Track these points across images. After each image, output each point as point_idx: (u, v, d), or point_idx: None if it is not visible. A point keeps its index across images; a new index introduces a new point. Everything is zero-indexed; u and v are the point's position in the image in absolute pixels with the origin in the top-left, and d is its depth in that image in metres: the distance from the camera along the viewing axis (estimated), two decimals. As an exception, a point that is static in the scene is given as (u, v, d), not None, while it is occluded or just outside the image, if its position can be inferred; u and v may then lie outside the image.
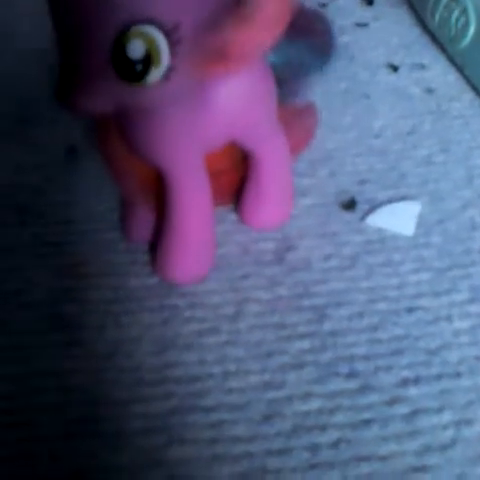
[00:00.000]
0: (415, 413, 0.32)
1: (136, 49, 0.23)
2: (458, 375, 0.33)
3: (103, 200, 0.40)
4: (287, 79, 0.34)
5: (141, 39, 0.23)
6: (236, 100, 0.30)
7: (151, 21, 0.23)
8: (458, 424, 0.31)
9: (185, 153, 0.30)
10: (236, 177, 0.36)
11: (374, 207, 0.40)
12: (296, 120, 0.38)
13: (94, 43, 0.23)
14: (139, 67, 0.23)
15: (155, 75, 0.24)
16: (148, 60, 0.23)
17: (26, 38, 0.50)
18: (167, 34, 0.23)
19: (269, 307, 0.35)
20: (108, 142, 0.31)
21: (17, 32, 0.51)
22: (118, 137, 0.30)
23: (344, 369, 0.33)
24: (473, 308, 0.36)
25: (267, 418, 0.31)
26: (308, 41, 0.35)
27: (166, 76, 0.24)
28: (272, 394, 0.32)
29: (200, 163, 0.31)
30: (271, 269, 0.37)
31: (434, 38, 0.51)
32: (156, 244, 0.35)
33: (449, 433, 0.31)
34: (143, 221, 0.37)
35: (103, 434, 0.31)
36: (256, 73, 0.30)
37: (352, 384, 0.33)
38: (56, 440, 0.31)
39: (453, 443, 0.31)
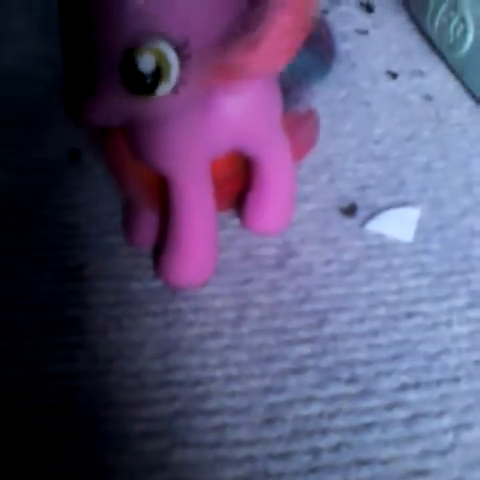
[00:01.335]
0: (415, 417, 0.32)
1: (147, 63, 0.23)
2: (457, 380, 0.33)
3: (106, 203, 0.40)
4: (290, 87, 0.34)
5: (152, 53, 0.23)
6: (242, 109, 0.30)
7: (162, 36, 0.23)
8: (457, 428, 0.32)
9: (191, 161, 0.30)
10: (238, 185, 0.37)
11: (374, 213, 0.40)
12: (298, 127, 0.38)
13: (104, 57, 0.23)
14: (149, 80, 0.24)
15: (165, 88, 0.24)
16: (158, 74, 0.24)
17: (30, 40, 0.50)
18: (177, 49, 0.23)
19: (271, 312, 0.36)
20: (113, 147, 0.31)
21: (21, 34, 0.51)
22: (123, 142, 0.30)
23: (345, 374, 0.34)
24: (472, 313, 0.36)
25: (269, 422, 0.32)
26: (311, 48, 0.35)
27: (175, 89, 0.25)
28: (273, 398, 0.33)
29: (206, 170, 0.31)
30: (273, 274, 0.37)
31: (433, 45, 0.51)
32: (159, 248, 0.36)
33: (448, 437, 0.31)
34: (145, 225, 0.37)
35: (106, 437, 0.31)
36: (262, 83, 0.31)
37: (353, 388, 0.33)
38: (59, 442, 0.31)
39: (452, 447, 0.31)
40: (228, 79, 0.26)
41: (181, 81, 0.24)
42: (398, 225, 0.40)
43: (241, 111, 0.30)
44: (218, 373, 0.33)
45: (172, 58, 0.23)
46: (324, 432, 0.31)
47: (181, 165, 0.30)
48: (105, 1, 0.22)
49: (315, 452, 0.31)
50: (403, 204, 0.41)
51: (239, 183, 0.36)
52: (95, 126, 0.26)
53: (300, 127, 0.38)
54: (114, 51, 0.23)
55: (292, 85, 0.34)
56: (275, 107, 0.32)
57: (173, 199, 0.32)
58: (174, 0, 0.23)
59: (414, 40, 0.53)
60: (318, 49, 0.36)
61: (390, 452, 0.31)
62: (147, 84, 0.24)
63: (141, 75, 0.23)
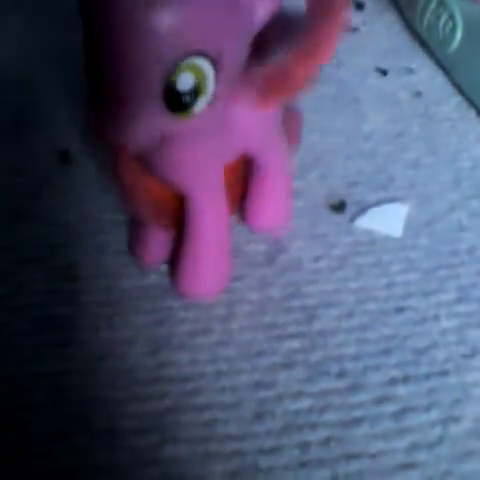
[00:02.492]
0: (404, 411, 0.32)
1: (186, 82, 0.23)
2: (445, 374, 0.34)
3: (95, 203, 0.41)
4: None
5: (191, 71, 0.22)
6: (254, 119, 0.30)
7: (200, 53, 0.22)
8: (445, 422, 0.32)
9: (209, 174, 0.30)
10: (240, 191, 0.37)
11: (363, 209, 0.41)
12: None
13: (140, 77, 0.23)
14: (187, 98, 0.23)
15: (202, 104, 0.24)
16: (196, 91, 0.23)
17: (21, 40, 0.50)
18: (213, 63, 0.23)
19: (260, 308, 0.36)
20: (124, 165, 0.31)
21: (12, 35, 0.51)
22: (134, 159, 0.30)
23: (334, 368, 0.34)
24: (460, 308, 0.36)
25: (258, 417, 0.32)
26: None
27: (211, 103, 0.24)
28: (263, 393, 0.33)
29: (221, 181, 0.31)
30: (262, 270, 0.38)
31: (422, 43, 0.51)
32: (175, 264, 0.35)
33: (437, 431, 0.32)
34: (157, 244, 0.36)
35: (97, 433, 0.31)
36: None
37: (342, 383, 0.33)
38: (50, 439, 0.31)
39: (440, 440, 0.31)
40: (280, 94, 0.26)
41: (216, 95, 0.24)
42: (387, 221, 0.40)
43: (254, 120, 0.30)
44: (208, 369, 0.34)
45: (209, 73, 0.23)
46: (314, 426, 0.32)
47: (200, 179, 0.30)
48: (136, 21, 0.22)
49: (305, 446, 0.31)
50: (392, 200, 0.41)
51: (241, 189, 0.36)
52: (132, 148, 0.25)
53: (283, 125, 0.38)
54: (151, 71, 0.22)
55: None
56: (278, 111, 0.32)
57: (190, 214, 0.32)
58: (207, 14, 0.22)
59: (403, 37, 0.53)
60: None
61: (379, 446, 0.31)
62: (186, 101, 0.23)
63: (179, 93, 0.23)
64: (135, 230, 0.38)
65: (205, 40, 0.23)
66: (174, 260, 0.36)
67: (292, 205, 0.40)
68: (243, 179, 0.36)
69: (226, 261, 0.36)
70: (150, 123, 0.24)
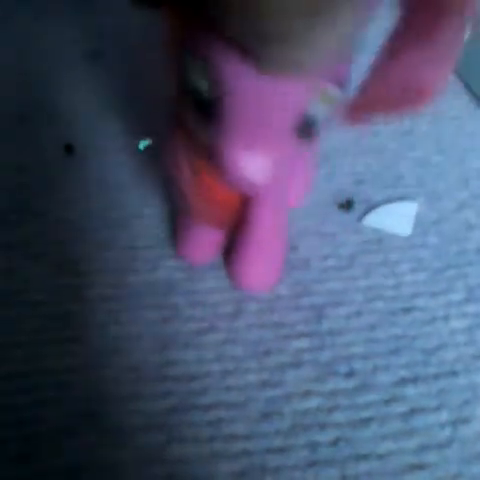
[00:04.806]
0: (413, 412, 0.32)
1: (321, 111, 0.24)
2: (455, 374, 0.33)
3: (100, 199, 0.40)
4: None
5: (325, 101, 0.23)
6: None
7: (335, 82, 0.23)
8: (455, 423, 0.32)
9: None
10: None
11: (371, 207, 0.40)
12: None
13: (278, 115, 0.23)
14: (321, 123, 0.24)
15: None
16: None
17: (25, 38, 0.50)
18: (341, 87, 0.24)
19: (268, 306, 0.36)
20: (189, 169, 0.30)
21: (20, 32, 0.51)
22: (211, 172, 0.29)
23: (343, 368, 0.33)
24: (469, 308, 0.36)
25: (266, 416, 0.32)
26: None
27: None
28: (271, 392, 0.32)
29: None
30: (270, 268, 0.37)
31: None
32: (238, 259, 0.34)
33: (446, 432, 0.31)
34: (209, 242, 0.36)
35: (103, 431, 0.31)
36: None
37: (350, 383, 0.33)
38: (57, 436, 0.31)
39: (450, 442, 0.31)
40: (417, 102, 0.26)
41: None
42: (396, 219, 0.40)
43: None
44: (214, 368, 0.33)
45: (339, 96, 0.24)
46: (322, 427, 0.31)
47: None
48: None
49: (313, 446, 0.31)
50: (400, 198, 0.41)
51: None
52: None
53: None
54: (290, 108, 0.23)
55: None
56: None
57: (264, 217, 0.32)
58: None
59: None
60: None
61: (388, 446, 0.31)
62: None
63: (315, 121, 0.23)
64: (184, 231, 0.37)
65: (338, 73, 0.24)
66: (236, 257, 0.35)
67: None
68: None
69: (282, 255, 0.36)
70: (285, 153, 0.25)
